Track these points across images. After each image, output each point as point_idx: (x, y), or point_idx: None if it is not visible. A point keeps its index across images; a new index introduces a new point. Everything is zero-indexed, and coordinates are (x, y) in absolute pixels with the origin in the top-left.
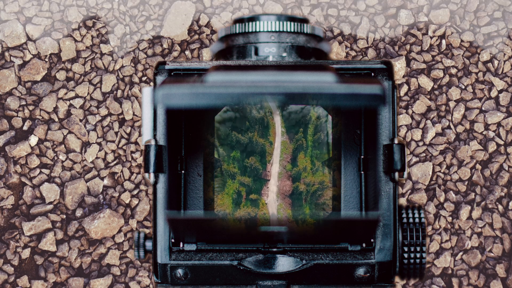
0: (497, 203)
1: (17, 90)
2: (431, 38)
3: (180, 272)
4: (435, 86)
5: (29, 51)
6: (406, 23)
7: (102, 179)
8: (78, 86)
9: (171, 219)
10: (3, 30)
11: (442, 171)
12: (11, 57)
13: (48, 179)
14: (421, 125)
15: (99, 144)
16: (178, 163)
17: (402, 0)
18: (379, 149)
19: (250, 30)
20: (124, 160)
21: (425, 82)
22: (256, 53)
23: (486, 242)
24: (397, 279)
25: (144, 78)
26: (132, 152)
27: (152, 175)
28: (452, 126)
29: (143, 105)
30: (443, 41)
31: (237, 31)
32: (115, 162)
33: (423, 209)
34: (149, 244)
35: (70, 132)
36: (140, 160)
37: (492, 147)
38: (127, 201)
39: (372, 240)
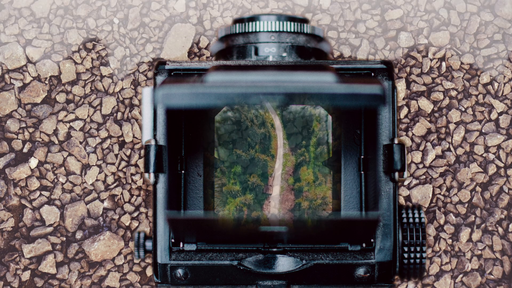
0: (497, 225)
1: (17, 112)
2: (431, 60)
3: (180, 272)
4: (435, 109)
5: (29, 73)
6: (406, 45)
7: (102, 201)
8: (78, 108)
9: (171, 219)
10: (3, 52)
11: (442, 193)
12: (11, 80)
13: (48, 202)
14: (421, 148)
15: (99, 166)
16: (178, 163)
17: (402, 23)
18: (379, 149)
19: (250, 30)
20: (124, 183)
21: (425, 105)
22: (256, 53)
23: (486, 264)
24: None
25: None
26: (132, 174)
27: (152, 175)
28: (452, 149)
29: (143, 105)
30: (443, 64)
31: (237, 31)
32: (115, 184)
33: (423, 209)
34: (149, 244)
35: (70, 154)
36: (140, 182)
37: (492, 169)
38: (127, 224)
39: (372, 240)
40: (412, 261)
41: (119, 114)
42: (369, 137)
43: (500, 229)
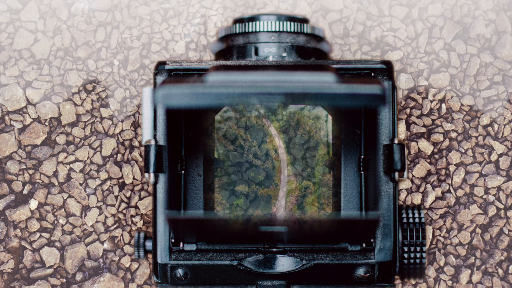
0: (497, 267)
1: (17, 154)
2: (431, 102)
3: (180, 272)
4: (435, 150)
5: (29, 115)
6: (406, 87)
7: (102, 243)
8: (78, 150)
9: (171, 219)
10: (3, 94)
11: (442, 235)
12: (11, 121)
13: (48, 243)
14: (421, 189)
15: (99, 208)
16: (178, 163)
17: (402, 64)
18: (379, 149)
19: (250, 30)
20: (124, 224)
21: (425, 146)
22: (256, 53)
23: None
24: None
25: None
26: (132, 216)
27: (152, 175)
28: (452, 190)
29: (143, 105)
30: (443, 105)
31: (237, 31)
32: (115, 226)
33: (422, 210)
34: (149, 244)
35: (70, 196)
36: (140, 224)
37: (492, 211)
38: (127, 265)
39: (372, 240)
40: (412, 261)
41: (119, 156)
42: (369, 137)
43: (500, 271)
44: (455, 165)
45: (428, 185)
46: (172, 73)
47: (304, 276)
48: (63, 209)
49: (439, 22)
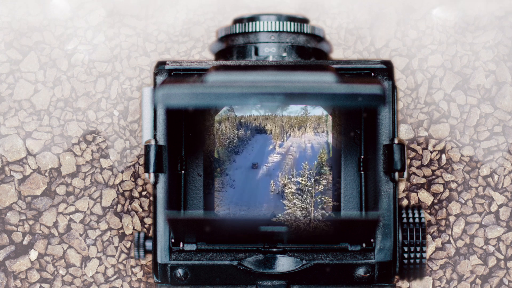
0: None
1: (17, 204)
2: (431, 152)
3: (180, 272)
4: (435, 201)
5: (29, 165)
6: (406, 137)
7: None
8: (78, 200)
9: (171, 219)
10: (3, 144)
11: (442, 285)
12: (11, 172)
13: None
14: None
15: (99, 258)
16: (178, 163)
17: (402, 115)
18: (379, 149)
19: (250, 30)
20: (124, 275)
21: (425, 197)
22: (256, 53)
23: None
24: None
25: (144, 193)
26: (132, 266)
27: (152, 175)
28: (452, 241)
29: (143, 105)
30: (443, 156)
31: (237, 31)
32: (115, 276)
33: (423, 209)
34: (149, 244)
35: (70, 246)
36: (140, 275)
37: (492, 261)
38: None
39: (372, 240)
40: (412, 261)
41: (119, 207)
42: (369, 137)
43: None
44: (455, 215)
45: (428, 236)
46: (172, 73)
47: (304, 276)
48: (63, 260)
49: (439, 73)
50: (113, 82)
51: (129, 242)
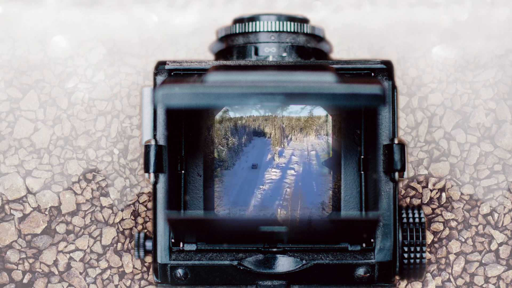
0: None
1: (17, 243)
2: (431, 191)
3: (180, 272)
4: (435, 239)
5: (29, 204)
6: (406, 176)
7: None
8: (78, 239)
9: (171, 219)
10: (3, 183)
11: None
12: (11, 210)
13: None
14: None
15: None
16: (178, 163)
17: None
18: (379, 149)
19: (250, 30)
20: None
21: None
22: (256, 53)
23: None
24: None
25: (144, 231)
26: None
27: (152, 175)
28: (452, 279)
29: (143, 105)
30: (443, 194)
31: (237, 31)
32: None
33: (422, 209)
34: (149, 244)
35: (70, 285)
36: None
37: None
38: None
39: (372, 240)
40: (412, 261)
41: (119, 245)
42: (369, 137)
43: None
44: (455, 254)
45: (428, 274)
46: (172, 73)
47: (304, 276)
48: None
49: (439, 111)
50: (113, 120)
51: (129, 281)
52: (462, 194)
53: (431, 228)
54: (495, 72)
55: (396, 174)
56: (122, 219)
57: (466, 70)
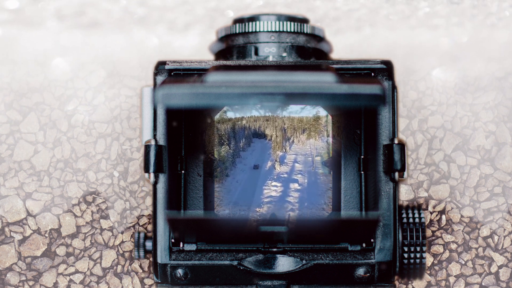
0: None
1: (17, 265)
2: (431, 213)
3: (180, 272)
4: (435, 262)
5: (29, 226)
6: (406, 198)
7: None
8: (78, 261)
9: (171, 219)
10: (3, 205)
11: None
12: (11, 232)
13: None
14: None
15: None
16: (178, 163)
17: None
18: (379, 149)
19: (250, 30)
20: None
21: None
22: (256, 53)
23: None
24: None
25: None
26: None
27: (152, 175)
28: None
29: (143, 105)
30: (443, 217)
31: (237, 31)
32: None
33: (423, 209)
34: (149, 244)
35: None
36: None
37: None
38: None
39: (372, 240)
40: (412, 261)
41: (119, 267)
42: (369, 137)
43: None
44: (455, 276)
45: None
46: (172, 73)
47: (304, 276)
48: None
49: (439, 134)
50: (113, 143)
51: None
52: (462, 216)
53: (431, 250)
54: (495, 95)
55: (396, 174)
56: (122, 242)
57: (466, 93)
